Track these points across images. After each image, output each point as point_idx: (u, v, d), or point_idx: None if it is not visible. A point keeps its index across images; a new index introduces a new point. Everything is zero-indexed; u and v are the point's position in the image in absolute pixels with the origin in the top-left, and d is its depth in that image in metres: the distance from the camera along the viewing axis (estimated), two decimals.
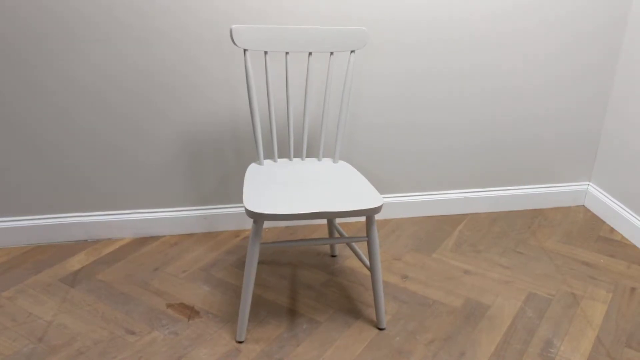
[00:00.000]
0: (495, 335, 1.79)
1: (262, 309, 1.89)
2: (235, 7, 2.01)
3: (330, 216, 1.57)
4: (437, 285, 2.05)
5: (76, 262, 2.13)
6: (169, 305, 1.90)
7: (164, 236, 2.33)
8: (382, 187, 2.46)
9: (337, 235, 2.20)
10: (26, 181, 2.15)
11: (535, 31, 2.27)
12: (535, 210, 2.65)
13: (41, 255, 2.17)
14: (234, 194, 2.33)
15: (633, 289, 2.05)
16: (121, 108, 2.10)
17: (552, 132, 2.51)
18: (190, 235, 2.35)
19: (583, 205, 2.70)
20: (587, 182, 2.67)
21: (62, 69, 1.99)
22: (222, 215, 2.35)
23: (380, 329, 1.81)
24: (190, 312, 1.87)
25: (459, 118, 2.39)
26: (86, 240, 2.28)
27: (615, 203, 2.48)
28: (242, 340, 1.73)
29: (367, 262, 1.82)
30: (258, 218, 1.55)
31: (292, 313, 1.88)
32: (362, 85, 2.23)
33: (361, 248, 2.29)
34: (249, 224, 2.40)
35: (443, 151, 2.44)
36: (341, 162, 1.96)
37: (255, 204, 1.58)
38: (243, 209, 2.37)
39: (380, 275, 1.74)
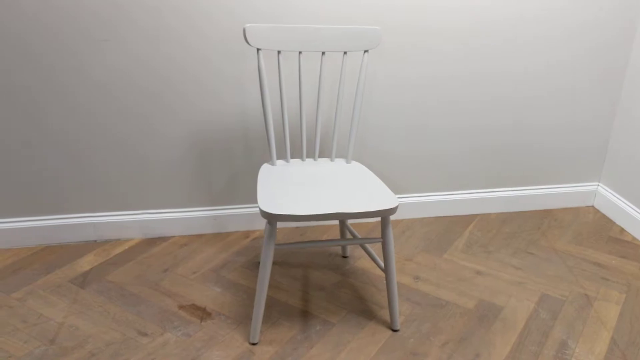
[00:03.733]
0: (510, 337, 1.78)
1: (274, 310, 1.88)
2: (247, 7, 2.00)
3: (346, 217, 1.55)
4: (449, 287, 2.03)
5: (86, 263, 2.12)
6: (181, 307, 1.88)
7: (173, 237, 2.32)
8: (391, 188, 2.44)
9: (349, 235, 2.19)
10: (34, 181, 2.13)
11: (548, 38, 2.26)
12: (544, 210, 2.64)
13: (50, 256, 2.15)
14: (244, 195, 2.32)
15: None
16: (131, 107, 2.08)
17: (562, 133, 2.50)
18: (200, 235, 2.33)
19: (592, 206, 2.69)
20: (597, 183, 2.66)
21: (75, 68, 1.98)
22: (232, 215, 2.34)
23: (394, 331, 1.80)
24: (202, 313, 1.86)
25: (469, 121, 2.37)
26: (95, 241, 2.26)
27: (625, 203, 2.47)
28: (255, 342, 1.72)
29: (381, 264, 1.81)
30: (273, 219, 1.54)
31: (304, 314, 1.86)
32: (373, 87, 2.22)
33: (372, 248, 2.28)
34: (258, 224, 2.39)
35: (452, 153, 2.43)
36: (354, 163, 1.94)
37: (270, 205, 1.57)
38: (252, 209, 2.35)
39: (395, 277, 1.73)
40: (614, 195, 2.55)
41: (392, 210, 1.59)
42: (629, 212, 2.43)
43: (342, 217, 1.55)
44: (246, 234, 2.36)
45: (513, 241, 2.36)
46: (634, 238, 2.40)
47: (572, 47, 2.32)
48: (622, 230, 2.47)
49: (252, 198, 2.34)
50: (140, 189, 2.23)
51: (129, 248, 2.23)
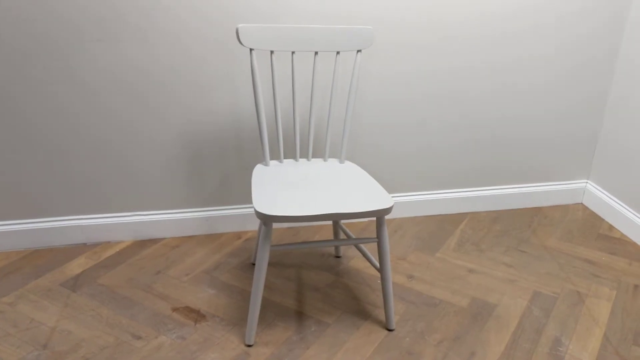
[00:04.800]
0: (504, 335, 1.79)
1: (269, 312, 1.87)
2: (239, 7, 1.98)
3: (342, 217, 1.55)
4: (442, 285, 2.04)
5: (76, 266, 2.09)
6: (174, 309, 1.87)
7: (164, 239, 2.30)
8: (383, 187, 2.44)
9: (343, 235, 2.19)
10: (23, 184, 2.10)
11: (536, 31, 2.28)
12: (534, 208, 2.66)
13: (40, 260, 2.12)
14: (236, 195, 2.31)
15: (636, 286, 2.06)
16: (121, 108, 2.06)
17: (550, 130, 2.52)
18: (191, 237, 2.32)
19: (581, 203, 2.72)
20: (586, 180, 2.69)
21: (63, 68, 1.95)
22: (224, 216, 2.32)
23: (390, 330, 1.80)
24: (196, 315, 1.84)
25: (458, 118, 2.38)
26: (85, 244, 2.24)
27: (614, 200, 2.50)
28: (251, 343, 1.71)
29: (376, 263, 1.81)
30: (269, 220, 1.53)
31: (299, 315, 1.86)
32: (364, 86, 2.22)
33: (366, 248, 2.28)
34: (250, 225, 2.37)
35: (443, 151, 2.44)
36: (347, 163, 1.94)
37: (266, 205, 1.56)
38: (244, 210, 2.34)
39: (390, 277, 1.73)
40: (603, 193, 2.57)
41: (387, 210, 1.59)
42: (618, 209, 2.46)
43: (338, 218, 1.55)
44: (238, 235, 2.34)
45: (504, 239, 2.37)
46: (622, 235, 2.43)
47: (561, 39, 2.34)
48: (611, 227, 2.50)
49: (244, 199, 2.33)
50: (130, 191, 2.20)
51: (119, 250, 2.21)
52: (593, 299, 1.99)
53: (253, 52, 1.76)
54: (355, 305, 1.92)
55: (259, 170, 1.85)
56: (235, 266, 2.12)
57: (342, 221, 2.44)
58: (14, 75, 1.93)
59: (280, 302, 1.92)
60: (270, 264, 2.14)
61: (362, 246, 1.91)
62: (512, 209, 2.64)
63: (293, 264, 2.15)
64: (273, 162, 1.93)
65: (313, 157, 2.28)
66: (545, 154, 2.57)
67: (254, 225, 2.38)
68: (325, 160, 1.96)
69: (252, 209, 2.35)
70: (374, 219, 2.50)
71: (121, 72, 2.00)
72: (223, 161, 2.23)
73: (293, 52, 1.82)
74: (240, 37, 1.73)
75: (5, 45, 1.88)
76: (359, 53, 1.86)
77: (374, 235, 2.33)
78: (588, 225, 2.51)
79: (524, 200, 2.64)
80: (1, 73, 1.92)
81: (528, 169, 2.59)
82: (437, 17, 2.16)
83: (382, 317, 1.86)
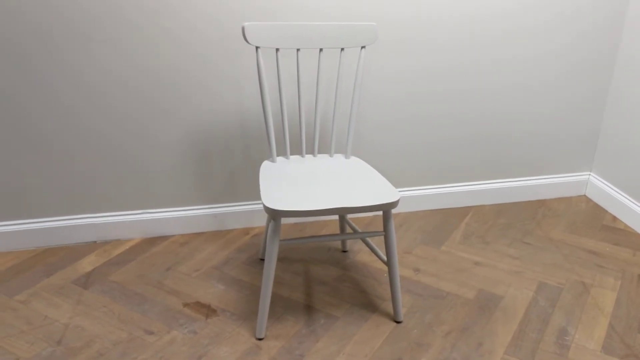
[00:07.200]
0: (511, 325, 1.82)
1: (278, 306, 1.90)
2: (243, 5, 2.01)
3: (349, 211, 1.58)
4: (449, 278, 2.07)
5: (87, 264, 2.12)
6: (185, 305, 1.90)
7: (173, 236, 2.33)
8: None
9: (349, 230, 2.21)
10: (33, 183, 2.13)
11: (538, 29, 2.30)
12: (538, 201, 2.68)
13: (51, 258, 2.15)
14: (243, 192, 2.33)
15: None
16: (128, 108, 2.09)
17: (553, 124, 2.54)
18: (200, 234, 2.35)
19: (585, 195, 2.74)
20: (589, 172, 2.71)
21: (70, 70, 1.98)
22: (231, 213, 2.35)
23: (398, 322, 1.82)
24: (207, 310, 1.87)
25: (462, 113, 2.41)
26: (95, 242, 2.27)
27: (617, 192, 2.52)
28: (261, 337, 1.74)
29: (383, 256, 1.83)
30: (278, 215, 1.56)
31: (308, 309, 1.89)
32: (368, 82, 2.24)
33: (372, 242, 2.30)
34: (258, 221, 2.40)
35: (446, 145, 2.46)
36: (353, 158, 1.97)
37: (275, 201, 1.59)
38: (251, 206, 2.37)
39: (398, 269, 1.76)
40: (606, 184, 2.60)
41: (394, 204, 1.62)
42: (621, 200, 2.48)
43: (346, 212, 1.58)
44: (246, 231, 2.37)
45: (509, 231, 2.40)
46: (626, 225, 2.45)
47: (562, 35, 2.36)
48: (614, 218, 2.52)
49: (251, 195, 2.35)
50: (139, 189, 2.23)
51: (129, 248, 2.23)
52: (598, 289, 2.01)
53: (259, 50, 1.79)
54: (363, 299, 1.94)
55: (266, 167, 1.88)
56: (244, 262, 2.15)
57: (349, 216, 2.46)
58: (22, 77, 1.96)
59: (289, 296, 1.95)
60: (278, 259, 2.17)
61: (369, 240, 1.93)
62: (516, 202, 2.67)
63: (300, 259, 2.18)
64: (279, 159, 1.96)
65: (319, 153, 2.31)
66: (548, 148, 2.59)
67: (261, 221, 2.41)
68: (331, 156, 1.98)
69: (259, 206, 2.37)
70: (380, 214, 2.53)
71: (128, 74, 2.02)
72: (230, 158, 2.26)
73: (298, 50, 1.84)
74: (246, 36, 1.76)
75: (4, 44, 1.91)
76: (363, 49, 1.88)
77: (380, 230, 2.36)
78: (592, 217, 2.53)
79: (527, 193, 2.66)
80: (10, 76, 1.95)
81: (531, 162, 2.61)
82: (440, 14, 2.18)
83: (390, 310, 1.89)
